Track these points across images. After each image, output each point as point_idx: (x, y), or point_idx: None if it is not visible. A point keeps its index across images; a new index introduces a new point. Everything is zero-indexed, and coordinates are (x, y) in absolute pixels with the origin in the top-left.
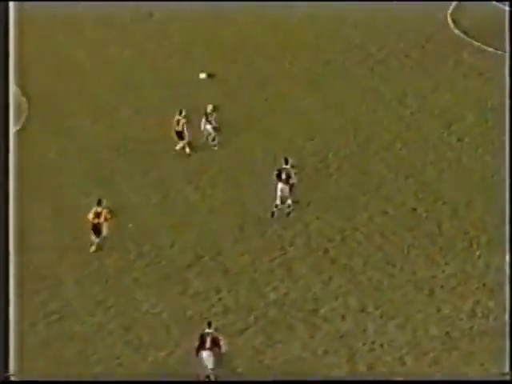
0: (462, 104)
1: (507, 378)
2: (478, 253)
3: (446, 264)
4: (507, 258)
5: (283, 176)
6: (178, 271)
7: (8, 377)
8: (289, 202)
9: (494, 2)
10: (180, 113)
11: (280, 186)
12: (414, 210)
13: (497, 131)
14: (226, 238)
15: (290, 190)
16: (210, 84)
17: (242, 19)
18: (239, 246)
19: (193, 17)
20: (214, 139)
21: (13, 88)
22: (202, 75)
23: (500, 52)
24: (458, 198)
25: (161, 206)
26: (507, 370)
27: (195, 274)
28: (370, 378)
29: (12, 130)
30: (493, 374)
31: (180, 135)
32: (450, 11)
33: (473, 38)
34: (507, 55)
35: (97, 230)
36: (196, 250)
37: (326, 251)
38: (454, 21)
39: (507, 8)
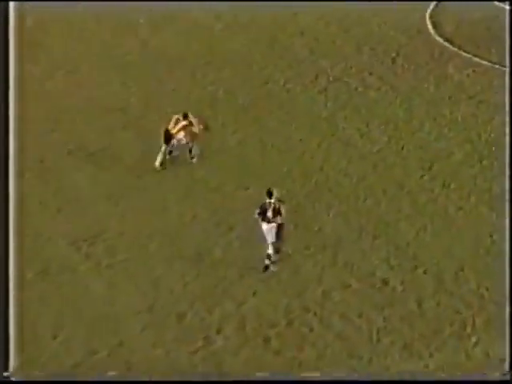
0: (447, 137)
1: (507, 378)
2: (473, 339)
3: (430, 356)
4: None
5: (269, 213)
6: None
7: (8, 377)
8: (269, 251)
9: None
10: (185, 117)
11: (265, 227)
12: (386, 281)
13: (494, 173)
14: (129, 323)
15: (278, 232)
16: (104, 115)
17: (147, 24)
18: (148, 334)
19: (79, 19)
20: (190, 151)
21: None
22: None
23: (497, 66)
24: (445, 266)
25: (39, 281)
26: (507, 370)
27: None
28: (371, 378)
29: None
30: (493, 374)
31: (168, 138)
32: (428, 11)
33: (460, 47)
34: (507, 70)
35: None
36: (88, 343)
37: (267, 340)
38: (434, 24)
39: (507, 7)
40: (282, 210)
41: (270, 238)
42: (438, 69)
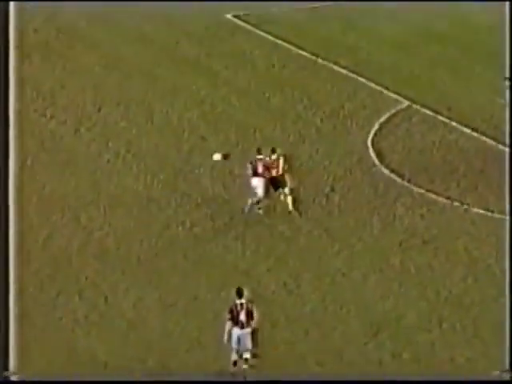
0: (396, 294)
1: (507, 378)
2: None
3: None
4: None
5: (241, 317)
6: None
7: (8, 377)
8: (247, 355)
9: (443, 120)
10: (273, 151)
11: (237, 332)
12: None
13: (457, 340)
14: None
15: (252, 337)
16: None
17: (17, 158)
18: None
19: None
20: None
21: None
22: (217, 156)
23: (457, 204)
24: None
25: None
26: (507, 369)
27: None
28: (370, 378)
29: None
30: (493, 373)
31: (279, 183)
32: (370, 136)
33: (410, 180)
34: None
35: None
36: None
37: None
38: (377, 152)
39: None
40: (255, 313)
41: (246, 345)
42: (383, 208)
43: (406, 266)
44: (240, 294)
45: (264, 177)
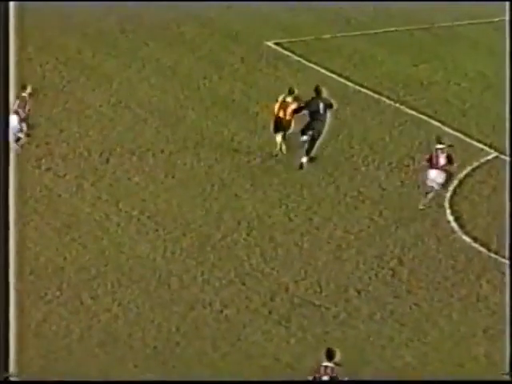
0: None
1: (507, 378)
2: None
3: None
4: None
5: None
6: None
7: (8, 377)
8: None
9: None
10: (290, 92)
11: None
12: None
13: None
14: None
15: None
16: None
17: None
18: None
19: None
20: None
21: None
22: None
23: None
24: None
25: None
26: (507, 370)
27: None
28: (371, 379)
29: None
30: (493, 374)
31: (282, 126)
32: (448, 195)
33: (498, 251)
34: None
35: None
36: None
37: None
38: (457, 215)
39: None
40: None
41: None
42: (464, 286)
43: (493, 358)
44: (330, 357)
45: (444, 170)
